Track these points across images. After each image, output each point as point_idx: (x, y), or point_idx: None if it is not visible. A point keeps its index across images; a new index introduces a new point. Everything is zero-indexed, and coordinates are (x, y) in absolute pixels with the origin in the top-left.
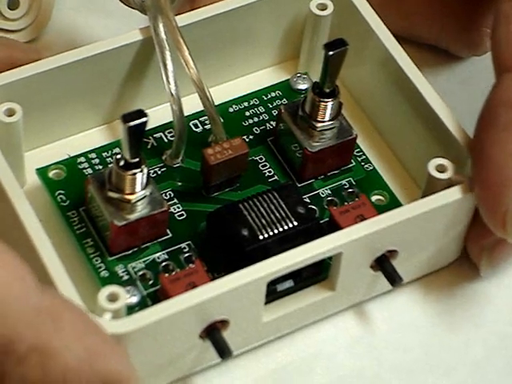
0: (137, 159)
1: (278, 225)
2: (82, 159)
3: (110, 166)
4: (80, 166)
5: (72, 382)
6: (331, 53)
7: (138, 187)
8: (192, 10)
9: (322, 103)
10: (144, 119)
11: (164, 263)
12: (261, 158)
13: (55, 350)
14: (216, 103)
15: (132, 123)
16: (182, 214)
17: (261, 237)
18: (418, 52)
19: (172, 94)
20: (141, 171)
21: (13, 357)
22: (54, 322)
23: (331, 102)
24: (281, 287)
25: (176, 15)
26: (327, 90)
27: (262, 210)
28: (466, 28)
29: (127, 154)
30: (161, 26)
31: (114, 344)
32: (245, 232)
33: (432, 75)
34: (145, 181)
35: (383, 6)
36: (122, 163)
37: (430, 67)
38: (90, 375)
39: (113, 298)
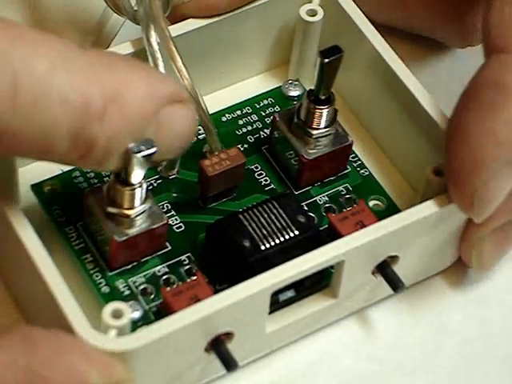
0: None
1: (279, 234)
2: (77, 173)
3: (106, 180)
4: (75, 181)
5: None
6: (327, 60)
7: (137, 202)
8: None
9: (318, 110)
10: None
11: (165, 276)
12: (256, 167)
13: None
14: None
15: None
16: (180, 226)
17: (263, 247)
18: (416, 50)
19: None
20: (140, 186)
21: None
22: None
23: (327, 109)
24: (283, 297)
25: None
26: (322, 97)
27: (262, 220)
28: (460, 17)
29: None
30: (153, 35)
31: None
32: (246, 243)
33: (431, 75)
34: (144, 195)
35: None
36: (120, 178)
37: (428, 64)
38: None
39: (117, 314)
